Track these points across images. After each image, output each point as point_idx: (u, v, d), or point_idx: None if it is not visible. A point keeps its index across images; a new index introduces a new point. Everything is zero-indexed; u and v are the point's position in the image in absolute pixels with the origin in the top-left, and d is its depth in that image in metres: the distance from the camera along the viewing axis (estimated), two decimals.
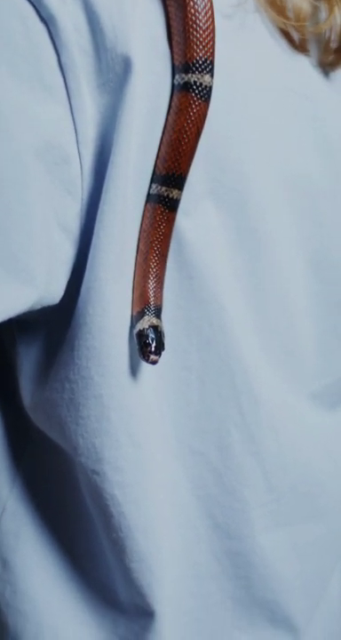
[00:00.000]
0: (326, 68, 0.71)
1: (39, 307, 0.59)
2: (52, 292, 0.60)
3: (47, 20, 0.57)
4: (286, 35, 0.68)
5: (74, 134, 0.59)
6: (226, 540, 0.73)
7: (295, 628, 0.76)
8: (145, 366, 0.66)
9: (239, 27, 0.66)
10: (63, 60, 0.57)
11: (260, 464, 0.72)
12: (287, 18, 0.67)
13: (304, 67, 0.70)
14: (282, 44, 0.69)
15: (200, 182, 0.64)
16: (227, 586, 0.74)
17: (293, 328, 0.73)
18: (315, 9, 0.69)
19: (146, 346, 0.60)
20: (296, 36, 0.68)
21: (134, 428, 0.66)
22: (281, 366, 0.73)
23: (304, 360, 0.74)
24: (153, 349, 0.60)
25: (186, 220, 0.64)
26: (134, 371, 0.65)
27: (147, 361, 0.60)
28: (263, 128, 0.67)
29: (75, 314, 0.62)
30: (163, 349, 0.61)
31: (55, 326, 0.65)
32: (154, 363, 0.60)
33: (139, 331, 0.61)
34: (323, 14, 0.70)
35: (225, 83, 0.63)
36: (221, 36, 0.63)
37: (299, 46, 0.69)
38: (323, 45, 0.70)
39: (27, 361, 0.68)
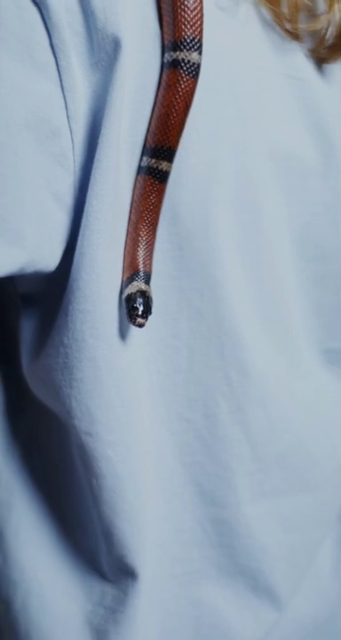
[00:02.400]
0: (318, 60, 0.73)
1: (31, 270, 0.62)
2: (45, 257, 0.62)
3: (39, 2, 0.59)
4: (280, 25, 0.71)
5: (64, 109, 0.61)
6: (211, 507, 0.74)
7: (277, 598, 0.77)
8: (136, 331, 0.68)
9: (232, 15, 0.69)
10: (54, 40, 0.60)
11: (247, 434, 0.73)
12: (280, 9, 0.69)
13: (296, 53, 0.72)
14: (276, 32, 0.71)
15: (194, 155, 0.67)
16: (211, 553, 0.75)
17: (283, 302, 0.75)
18: (312, 2, 0.71)
19: (133, 309, 0.62)
20: (289, 27, 0.71)
21: (125, 390, 0.68)
22: (273, 339, 0.74)
23: (294, 333, 0.76)
24: (139, 313, 0.62)
25: (180, 193, 0.67)
26: (125, 335, 0.67)
27: (134, 324, 0.62)
28: (254, 106, 0.69)
29: (70, 280, 0.64)
30: (150, 314, 0.63)
31: (52, 297, 0.68)
32: (140, 326, 0.62)
33: (128, 295, 0.63)
34: (321, 7, 0.72)
35: (215, 63, 0.66)
36: (214, 22, 0.66)
37: (293, 35, 0.71)
38: (319, 38, 0.72)
39: (27, 332, 0.71)
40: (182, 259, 0.68)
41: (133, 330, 0.68)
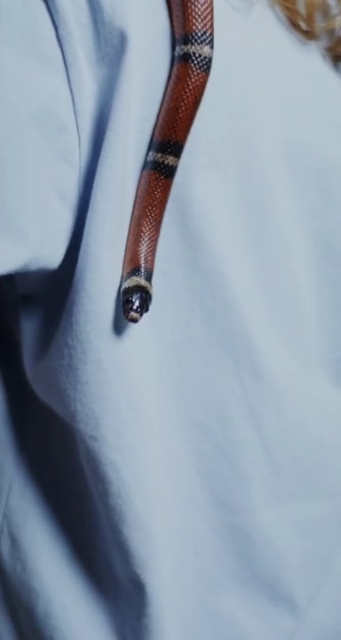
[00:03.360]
0: (334, 58, 0.72)
1: (35, 268, 0.60)
2: (49, 254, 0.61)
3: None
4: (295, 26, 0.70)
5: (71, 104, 0.60)
6: (227, 515, 0.73)
7: (295, 605, 0.75)
8: (146, 333, 0.67)
9: (246, 15, 0.67)
10: (61, 33, 0.59)
11: (261, 438, 0.72)
12: (295, 6, 0.68)
13: (312, 52, 0.71)
14: (291, 32, 0.70)
15: (204, 153, 0.65)
16: (228, 563, 0.74)
17: (297, 303, 0.73)
18: (326, 1, 0.70)
19: (128, 303, 0.60)
20: (305, 26, 0.70)
21: (134, 394, 0.66)
22: (287, 341, 0.73)
23: (309, 336, 0.75)
24: (134, 307, 0.60)
25: (190, 191, 0.65)
26: (133, 337, 0.66)
27: (127, 318, 0.60)
28: (267, 102, 0.68)
29: (74, 280, 0.63)
30: (146, 311, 0.61)
31: (55, 297, 0.66)
32: (134, 321, 0.60)
33: (124, 289, 0.61)
34: (334, 6, 0.71)
35: (228, 58, 0.65)
36: (227, 21, 0.65)
37: (308, 34, 0.70)
38: (335, 37, 0.71)
39: (29, 334, 0.69)
40: (195, 259, 0.67)
41: (143, 332, 0.67)
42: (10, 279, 0.67)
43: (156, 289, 0.67)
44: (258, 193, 0.69)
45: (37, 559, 0.74)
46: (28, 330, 0.69)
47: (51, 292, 0.66)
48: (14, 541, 0.75)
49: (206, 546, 0.73)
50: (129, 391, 0.66)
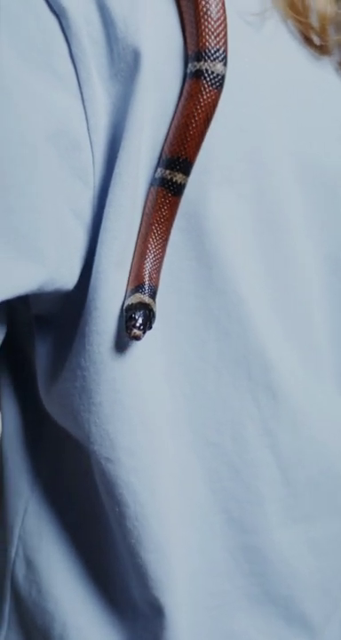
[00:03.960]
0: None
1: (51, 289, 0.60)
2: (65, 274, 0.60)
3: (58, 12, 0.58)
4: (308, 40, 0.69)
5: (85, 122, 0.59)
6: (242, 535, 0.72)
7: (311, 626, 0.74)
8: (160, 353, 0.66)
9: (258, 29, 0.67)
10: (74, 50, 0.58)
11: (276, 457, 0.71)
12: (308, 20, 0.68)
13: (325, 66, 0.71)
14: (304, 46, 0.70)
15: (218, 170, 0.64)
16: (243, 583, 0.73)
17: (309, 320, 0.73)
18: (339, 15, 0.70)
19: (131, 320, 0.59)
20: (318, 40, 0.69)
21: (147, 414, 0.65)
22: (301, 359, 0.72)
23: (321, 352, 0.74)
24: (137, 325, 0.59)
25: (205, 208, 0.65)
26: (147, 356, 0.65)
27: (130, 335, 0.59)
28: (279, 118, 0.67)
29: (87, 300, 0.62)
30: (149, 328, 0.60)
31: (68, 318, 0.65)
32: (136, 338, 0.59)
33: (127, 306, 0.61)
34: None
35: (241, 73, 0.64)
36: (240, 36, 0.64)
37: (321, 49, 0.70)
38: None
39: (42, 356, 0.69)
40: (210, 277, 0.66)
41: (156, 351, 0.66)
42: (24, 300, 0.66)
43: (170, 307, 0.66)
44: (271, 209, 0.68)
45: (52, 582, 0.73)
46: (42, 352, 0.69)
47: (65, 314, 0.66)
48: (29, 564, 0.74)
49: (220, 566, 0.72)
50: (142, 411, 0.65)
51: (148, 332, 0.62)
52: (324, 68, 0.71)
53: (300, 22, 0.68)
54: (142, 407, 0.65)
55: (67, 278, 0.61)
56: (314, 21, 0.69)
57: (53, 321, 0.68)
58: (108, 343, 0.62)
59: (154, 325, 0.63)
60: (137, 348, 0.64)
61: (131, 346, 0.64)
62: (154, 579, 0.68)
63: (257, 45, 0.67)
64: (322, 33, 0.69)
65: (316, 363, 0.74)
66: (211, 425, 0.69)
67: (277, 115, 0.67)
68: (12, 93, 0.56)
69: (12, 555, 0.74)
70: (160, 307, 0.65)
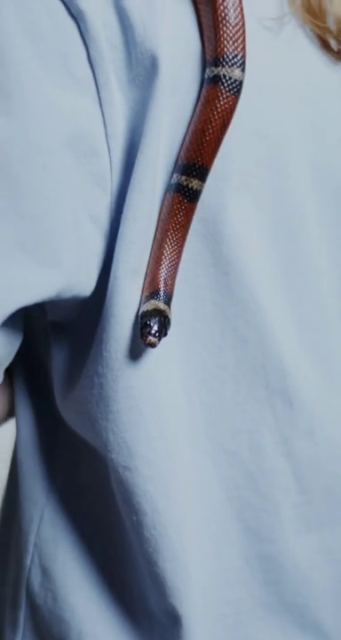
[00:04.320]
0: None
1: (69, 295, 0.59)
2: (82, 281, 0.60)
3: (76, 15, 0.58)
4: (325, 44, 0.69)
5: (103, 127, 0.59)
6: (258, 543, 0.71)
7: (325, 634, 0.74)
8: (177, 360, 0.66)
9: (277, 34, 0.67)
10: (92, 54, 0.58)
11: (293, 465, 0.71)
12: (325, 24, 0.68)
13: None
14: (322, 51, 0.69)
15: (236, 175, 0.64)
16: (258, 591, 0.73)
17: (325, 328, 0.72)
18: None
19: (146, 327, 0.59)
20: (335, 45, 0.69)
21: (164, 421, 0.65)
22: (317, 367, 0.72)
23: (337, 361, 0.74)
24: (152, 332, 0.59)
25: (224, 214, 0.64)
26: (164, 363, 0.65)
27: (145, 343, 0.59)
28: (297, 124, 0.67)
29: (104, 307, 0.62)
30: (165, 335, 0.60)
31: (85, 325, 0.65)
32: (152, 345, 0.59)
33: (142, 312, 0.60)
34: None
35: (259, 78, 0.64)
36: (258, 41, 0.64)
37: (339, 53, 0.69)
38: None
39: (59, 363, 0.68)
40: (227, 284, 0.66)
41: (173, 357, 0.66)
42: (41, 306, 0.66)
43: (187, 314, 0.66)
44: (288, 216, 0.68)
45: (68, 590, 0.73)
46: (58, 358, 0.68)
47: (81, 320, 0.66)
48: (45, 572, 0.74)
49: (236, 574, 0.72)
50: (159, 418, 0.65)
51: (165, 339, 0.61)
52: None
53: (317, 26, 0.68)
54: (159, 415, 0.65)
55: (84, 284, 0.61)
56: (332, 25, 0.68)
57: (69, 327, 0.68)
58: (126, 350, 0.62)
59: (170, 332, 0.63)
60: (154, 355, 0.64)
61: (148, 353, 0.63)
62: (172, 587, 0.67)
63: (275, 50, 0.66)
64: (339, 36, 0.68)
65: (331, 372, 0.73)
66: (228, 432, 0.69)
67: (294, 120, 0.67)
68: (30, 98, 0.56)
69: (28, 562, 0.74)
70: (176, 313, 0.64)
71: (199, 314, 0.66)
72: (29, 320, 0.70)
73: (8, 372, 0.75)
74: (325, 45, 0.69)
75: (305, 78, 0.68)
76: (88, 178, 0.59)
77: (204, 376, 0.68)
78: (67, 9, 0.58)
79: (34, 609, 0.74)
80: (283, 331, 0.69)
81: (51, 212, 0.57)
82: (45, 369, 0.72)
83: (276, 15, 0.66)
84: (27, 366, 0.74)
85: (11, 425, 0.82)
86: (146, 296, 0.61)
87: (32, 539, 0.74)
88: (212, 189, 0.64)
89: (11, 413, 0.79)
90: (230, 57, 0.61)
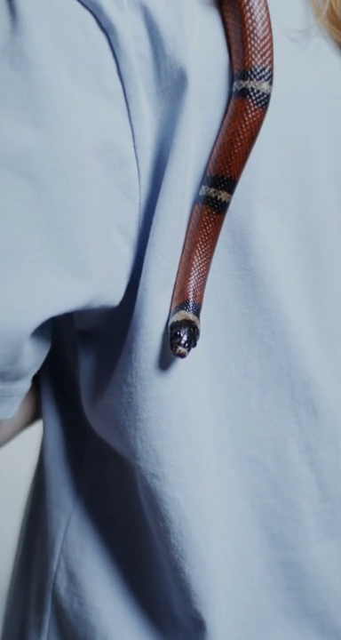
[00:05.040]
0: None
1: (98, 305, 0.60)
2: (111, 291, 0.61)
3: (107, 29, 0.58)
4: None
5: (131, 139, 0.60)
6: (281, 550, 0.72)
7: None
8: (204, 370, 0.66)
9: (304, 47, 0.67)
10: (122, 67, 0.59)
11: (316, 473, 0.72)
12: None
13: None
14: None
15: (263, 187, 0.65)
16: (279, 598, 0.73)
17: None
18: None
19: (176, 337, 0.60)
20: None
21: (192, 430, 0.66)
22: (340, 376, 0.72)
23: None
24: (182, 342, 0.60)
25: (251, 226, 0.65)
26: (192, 372, 0.65)
27: (175, 353, 0.60)
28: (322, 136, 0.68)
29: (133, 317, 0.63)
30: (194, 346, 0.61)
31: (113, 334, 0.66)
32: (181, 356, 0.60)
33: (172, 323, 0.61)
34: None
35: (286, 91, 0.65)
36: (285, 53, 0.65)
37: None
38: None
39: (86, 371, 0.69)
40: (254, 296, 0.67)
41: (201, 367, 0.66)
42: (69, 315, 0.67)
43: (215, 325, 0.67)
44: (313, 227, 0.69)
45: (94, 595, 0.74)
46: (86, 367, 0.69)
47: (109, 329, 0.66)
48: (71, 577, 0.75)
49: (258, 580, 0.73)
50: (187, 427, 0.66)
51: (193, 349, 0.62)
52: None
53: None
54: (187, 424, 0.66)
55: (113, 295, 0.61)
56: None
57: (97, 336, 0.68)
58: (155, 360, 0.63)
59: (200, 342, 0.64)
60: (182, 365, 0.64)
61: (177, 363, 0.64)
62: (198, 593, 0.68)
63: (302, 63, 0.67)
64: None
65: None
66: (253, 441, 0.70)
67: (319, 132, 0.68)
68: (61, 109, 0.57)
69: (54, 567, 0.75)
70: (204, 324, 0.65)
71: (226, 324, 0.67)
72: (57, 329, 0.71)
73: (34, 378, 0.76)
74: None
75: (330, 90, 0.69)
76: (117, 189, 0.60)
77: (230, 385, 0.69)
78: (98, 22, 0.58)
79: (60, 613, 0.75)
80: (308, 341, 0.70)
81: (82, 222, 0.57)
82: (72, 377, 0.73)
83: (302, 26, 0.67)
84: (55, 374, 0.75)
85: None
86: (176, 307, 0.62)
87: (59, 544, 0.75)
88: (240, 201, 0.64)
89: (34, 419, 0.80)
90: (258, 70, 0.62)
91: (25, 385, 0.63)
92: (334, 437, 0.72)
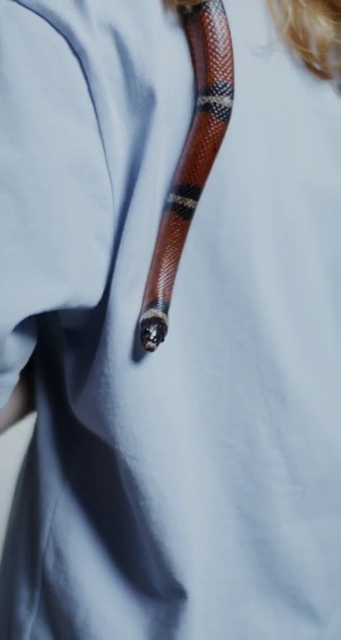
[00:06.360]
0: None
1: (75, 305, 0.65)
2: (87, 292, 0.66)
3: (78, 52, 0.63)
4: (310, 66, 0.74)
5: (103, 153, 0.65)
6: (252, 528, 0.77)
7: (317, 615, 0.79)
8: (176, 361, 0.71)
9: (266, 61, 0.71)
10: (93, 87, 0.63)
11: (286, 457, 0.76)
12: (308, 49, 0.72)
13: (326, 91, 0.75)
14: (307, 73, 0.74)
15: (233, 192, 0.69)
16: (252, 573, 0.78)
17: (320, 330, 0.77)
18: (337, 42, 0.74)
19: (145, 333, 0.65)
20: (319, 66, 0.73)
21: (167, 415, 0.71)
22: (310, 366, 0.77)
23: (331, 361, 0.78)
24: (151, 337, 0.65)
25: (218, 229, 0.70)
26: (166, 364, 0.70)
27: (144, 347, 0.65)
28: (287, 145, 0.72)
29: (108, 314, 0.67)
30: (162, 341, 0.66)
31: (92, 331, 0.71)
32: (150, 350, 0.65)
33: (142, 320, 0.66)
34: None
35: (251, 106, 0.69)
36: (249, 67, 0.69)
37: (323, 74, 0.74)
38: None
39: (70, 365, 0.74)
40: (223, 292, 0.71)
41: (174, 360, 0.71)
42: (56, 315, 0.72)
43: (187, 319, 0.71)
44: (283, 227, 0.73)
45: (79, 571, 0.78)
46: (70, 361, 0.74)
47: (89, 327, 0.71)
48: (58, 554, 0.79)
49: (231, 556, 0.77)
50: (163, 412, 0.71)
51: (166, 342, 0.67)
52: (326, 93, 0.75)
53: (302, 52, 0.72)
54: (163, 409, 0.71)
55: (90, 296, 0.66)
56: (314, 49, 0.73)
57: (80, 334, 0.74)
58: (129, 353, 0.68)
59: (172, 336, 0.69)
60: (155, 357, 0.69)
61: (150, 355, 0.69)
62: (178, 565, 0.73)
63: (265, 76, 0.71)
64: (322, 60, 0.73)
65: (326, 371, 0.78)
66: (225, 427, 0.75)
67: (286, 140, 0.72)
68: (37, 128, 0.61)
69: (43, 545, 0.80)
70: (177, 319, 0.70)
71: (198, 319, 0.72)
72: (48, 327, 0.77)
73: (26, 374, 0.81)
74: (310, 67, 0.74)
75: (293, 101, 0.73)
76: (91, 199, 0.65)
77: (202, 375, 0.73)
78: (71, 46, 0.63)
79: (47, 589, 0.80)
80: (279, 334, 0.74)
81: (59, 231, 0.62)
82: (62, 371, 0.78)
83: (265, 42, 0.71)
84: (47, 369, 0.81)
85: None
86: (146, 305, 0.67)
87: (47, 523, 0.80)
88: (209, 205, 0.69)
89: (25, 413, 0.85)
90: (220, 86, 0.66)
91: (11, 378, 0.68)
92: (302, 424, 0.76)
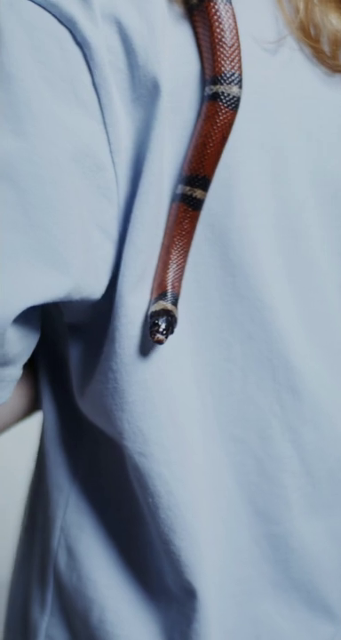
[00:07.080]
0: None
1: (78, 297, 0.64)
2: (91, 284, 0.65)
3: (81, 43, 0.62)
4: (321, 59, 0.73)
5: (107, 144, 0.64)
6: (266, 524, 0.76)
7: (332, 612, 0.78)
8: (187, 355, 0.71)
9: (274, 54, 0.71)
10: (96, 78, 0.63)
11: (298, 451, 0.75)
12: (319, 45, 0.72)
13: (338, 83, 0.74)
14: (318, 66, 0.73)
15: (241, 184, 0.69)
16: (267, 569, 0.77)
17: (330, 323, 0.77)
18: None
19: (154, 325, 0.64)
20: (330, 60, 0.73)
21: (176, 411, 0.70)
22: (323, 360, 0.76)
23: None
24: (160, 330, 0.64)
25: (229, 220, 0.69)
26: (176, 358, 0.70)
27: (153, 340, 0.64)
28: (296, 134, 0.72)
29: (115, 307, 0.67)
30: (172, 333, 0.65)
31: (98, 325, 0.71)
32: (159, 342, 0.64)
33: (151, 312, 0.66)
34: None
35: (260, 94, 0.69)
36: (257, 60, 0.68)
37: (333, 67, 0.73)
38: None
39: (75, 360, 0.74)
40: (234, 285, 0.71)
41: (184, 352, 0.71)
42: (59, 309, 0.72)
43: (198, 312, 0.71)
44: (291, 219, 0.72)
45: (92, 569, 0.78)
46: (75, 357, 0.73)
47: (95, 322, 0.71)
48: (71, 553, 0.79)
49: (246, 554, 0.76)
50: (171, 408, 0.70)
51: (177, 336, 0.67)
52: (337, 85, 0.74)
53: (313, 47, 0.71)
54: (171, 405, 0.70)
55: (94, 288, 0.66)
56: (325, 45, 0.72)
57: (84, 329, 0.73)
58: (137, 347, 0.67)
59: (183, 329, 0.68)
60: (164, 351, 0.69)
61: (159, 349, 0.68)
62: (188, 564, 0.72)
63: (273, 68, 0.70)
64: (334, 57, 0.72)
65: (336, 361, 0.77)
66: (238, 422, 0.74)
67: (294, 131, 0.71)
68: (39, 118, 0.61)
69: (55, 545, 0.80)
70: (188, 312, 0.70)
71: (208, 312, 0.71)
72: (52, 321, 0.76)
73: (30, 368, 0.81)
74: (320, 60, 0.73)
75: (302, 93, 0.72)
76: (95, 190, 0.64)
77: (214, 369, 0.73)
78: (73, 37, 0.62)
79: (60, 588, 0.80)
80: (289, 326, 0.73)
81: (60, 221, 0.61)
82: (67, 366, 0.78)
83: (274, 37, 0.70)
84: (51, 364, 0.80)
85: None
86: (155, 297, 0.67)
87: (59, 523, 0.79)
88: (218, 197, 0.68)
89: (32, 409, 0.84)
90: (228, 75, 0.65)
91: (14, 371, 0.67)
92: (315, 417, 0.75)
